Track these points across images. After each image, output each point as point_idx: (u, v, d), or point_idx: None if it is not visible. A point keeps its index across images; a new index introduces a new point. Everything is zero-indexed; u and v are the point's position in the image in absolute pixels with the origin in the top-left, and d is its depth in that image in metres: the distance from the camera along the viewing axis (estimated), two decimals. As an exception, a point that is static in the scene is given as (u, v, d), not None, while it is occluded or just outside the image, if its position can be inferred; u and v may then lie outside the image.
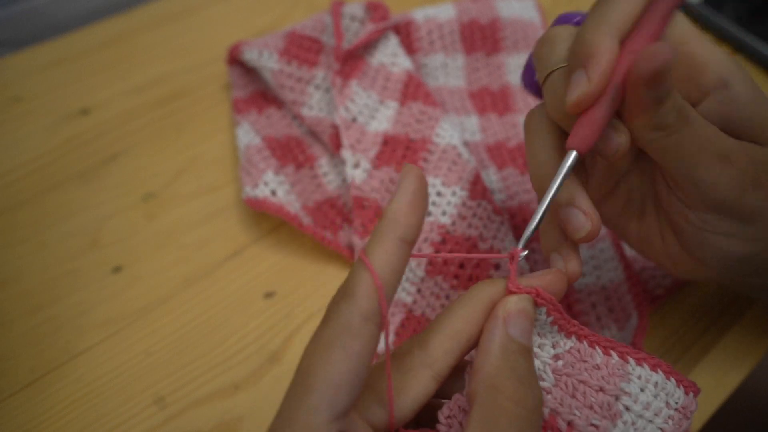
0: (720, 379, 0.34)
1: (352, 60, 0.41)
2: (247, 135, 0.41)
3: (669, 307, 0.36)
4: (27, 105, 0.46)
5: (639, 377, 0.23)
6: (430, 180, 0.37)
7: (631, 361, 0.23)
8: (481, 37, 0.46)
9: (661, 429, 0.22)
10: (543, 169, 0.26)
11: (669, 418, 0.22)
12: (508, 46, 0.47)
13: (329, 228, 0.38)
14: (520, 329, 0.22)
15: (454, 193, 0.36)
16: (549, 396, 0.22)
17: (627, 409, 0.22)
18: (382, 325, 0.20)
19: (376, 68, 0.42)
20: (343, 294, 0.20)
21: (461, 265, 0.35)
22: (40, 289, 0.37)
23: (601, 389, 0.22)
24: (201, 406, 0.33)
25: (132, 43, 0.50)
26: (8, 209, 0.40)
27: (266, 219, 0.40)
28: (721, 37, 0.51)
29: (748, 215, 0.25)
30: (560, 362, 0.22)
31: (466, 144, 0.42)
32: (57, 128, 0.45)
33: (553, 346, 0.23)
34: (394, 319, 0.35)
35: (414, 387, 0.22)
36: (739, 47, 0.50)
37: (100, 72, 0.48)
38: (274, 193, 0.38)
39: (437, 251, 0.35)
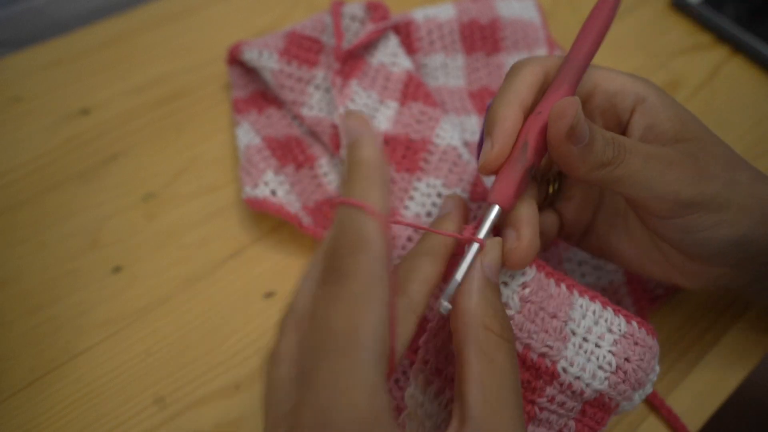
0: (720, 379, 0.34)
1: (352, 60, 0.41)
2: (247, 135, 0.41)
3: (669, 307, 0.36)
4: (27, 105, 0.46)
5: (581, 306, 0.26)
6: (431, 181, 0.37)
7: (575, 291, 0.26)
8: (481, 37, 0.46)
9: (611, 352, 0.25)
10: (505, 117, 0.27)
11: (615, 342, 0.25)
12: (508, 46, 0.47)
13: (329, 228, 0.38)
14: (494, 270, 0.24)
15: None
16: (511, 322, 0.24)
17: (573, 333, 0.25)
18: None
19: (376, 68, 0.42)
20: (353, 245, 0.19)
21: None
22: (40, 289, 0.37)
23: (555, 316, 0.25)
24: (201, 406, 0.33)
25: (132, 43, 0.50)
26: (8, 209, 0.40)
27: (266, 219, 0.40)
28: (721, 37, 0.51)
29: (716, 204, 0.26)
30: (527, 290, 0.25)
31: (466, 144, 0.42)
32: (57, 128, 0.45)
33: (522, 274, 0.25)
34: None
35: (404, 332, 0.23)
36: (739, 47, 0.50)
37: (100, 72, 0.48)
38: (274, 193, 0.38)
39: None
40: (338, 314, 0.18)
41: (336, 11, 0.43)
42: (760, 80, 0.48)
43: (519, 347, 0.24)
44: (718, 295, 0.37)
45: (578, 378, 0.25)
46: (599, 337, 0.25)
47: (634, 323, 0.26)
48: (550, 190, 0.31)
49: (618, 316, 0.26)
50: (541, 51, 0.47)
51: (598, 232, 0.32)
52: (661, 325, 0.35)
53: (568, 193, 0.32)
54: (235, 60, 0.44)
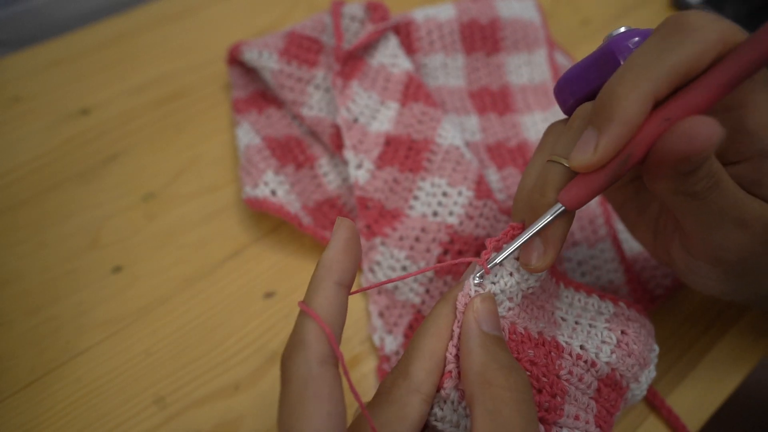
0: (720, 379, 0.34)
1: (352, 61, 0.41)
2: (247, 135, 0.41)
3: (669, 307, 0.36)
4: (27, 105, 0.46)
5: (566, 296, 0.28)
6: (436, 180, 0.37)
7: (561, 284, 0.28)
8: (481, 37, 0.46)
9: (607, 328, 0.27)
10: (526, 193, 0.25)
11: (607, 320, 0.27)
12: (508, 46, 0.47)
13: (329, 228, 0.38)
14: (491, 324, 0.23)
15: (460, 193, 0.37)
16: (510, 312, 0.25)
17: (563, 319, 0.27)
18: (338, 364, 0.21)
19: (376, 69, 0.42)
20: (293, 347, 0.21)
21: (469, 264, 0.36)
22: (40, 289, 0.37)
23: (542, 306, 0.27)
24: (201, 406, 0.33)
25: (132, 43, 0.50)
26: (8, 209, 0.40)
27: (266, 219, 0.40)
28: (721, 37, 0.51)
29: (743, 272, 0.25)
30: (530, 290, 0.25)
31: (466, 144, 0.42)
32: (57, 128, 0.45)
33: (536, 280, 0.25)
34: (403, 321, 0.35)
35: (409, 415, 0.22)
36: (739, 47, 0.50)
37: (100, 72, 0.48)
38: (274, 193, 0.38)
39: (446, 251, 0.36)
40: (282, 418, 0.20)
41: (336, 11, 0.43)
42: (760, 80, 0.48)
43: (521, 329, 0.25)
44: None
45: (583, 348, 0.26)
46: (591, 320, 0.27)
47: (622, 304, 0.28)
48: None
49: (605, 301, 0.28)
50: (541, 51, 0.47)
51: (622, 189, 0.30)
52: (661, 325, 0.35)
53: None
54: (235, 60, 0.44)
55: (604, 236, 0.38)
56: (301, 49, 0.43)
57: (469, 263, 0.25)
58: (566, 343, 0.26)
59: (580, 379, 0.25)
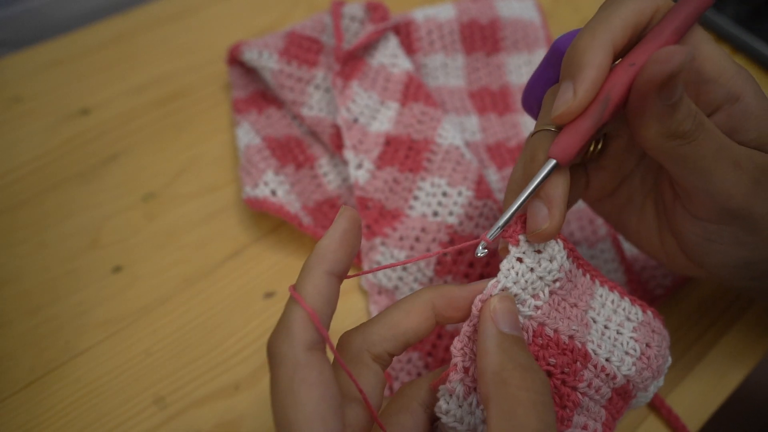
0: (720, 379, 0.34)
1: (352, 61, 0.41)
2: (247, 135, 0.41)
3: (669, 307, 0.36)
4: (27, 105, 0.46)
5: (601, 295, 0.27)
6: (436, 180, 0.37)
7: (597, 282, 0.27)
8: (481, 37, 0.46)
9: (633, 338, 0.26)
10: (519, 176, 0.26)
11: (634, 329, 0.26)
12: (507, 46, 0.47)
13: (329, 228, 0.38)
14: (509, 323, 0.23)
15: (459, 193, 0.37)
16: (539, 311, 0.24)
17: (594, 321, 0.26)
18: (326, 348, 0.21)
19: (376, 69, 0.42)
20: (279, 333, 0.21)
21: (471, 264, 0.35)
22: (40, 289, 0.37)
23: (575, 305, 0.25)
24: (201, 406, 0.33)
25: (132, 43, 0.50)
26: (8, 209, 0.40)
27: (266, 219, 0.40)
28: (721, 37, 0.51)
29: (754, 223, 0.25)
30: (557, 284, 0.25)
31: (466, 144, 0.42)
32: (57, 128, 0.45)
33: (560, 269, 0.25)
34: None
35: (363, 373, 0.23)
36: (739, 47, 0.50)
37: (100, 72, 0.48)
38: (274, 193, 0.38)
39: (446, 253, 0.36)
40: (276, 405, 0.20)
41: (336, 12, 0.43)
42: (760, 80, 0.48)
43: (550, 332, 0.24)
44: (717, 295, 0.37)
45: (608, 360, 0.25)
46: (619, 325, 0.26)
47: (650, 312, 0.27)
48: (591, 148, 0.29)
49: (635, 306, 0.27)
50: (541, 51, 0.47)
51: (614, 201, 0.30)
52: (661, 325, 0.36)
53: (604, 162, 0.29)
54: (235, 60, 0.44)
55: (604, 236, 0.38)
56: (301, 49, 0.43)
57: (477, 245, 0.24)
58: (594, 352, 0.25)
59: (597, 391, 0.25)
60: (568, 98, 0.22)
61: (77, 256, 0.38)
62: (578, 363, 0.24)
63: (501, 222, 0.24)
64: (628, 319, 0.27)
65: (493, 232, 0.24)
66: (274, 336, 0.21)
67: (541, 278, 0.24)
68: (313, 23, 0.44)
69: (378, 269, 0.25)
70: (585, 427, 0.24)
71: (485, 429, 0.23)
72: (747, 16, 0.51)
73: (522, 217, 0.25)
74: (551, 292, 0.25)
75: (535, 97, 0.28)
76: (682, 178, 0.25)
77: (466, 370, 0.23)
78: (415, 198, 0.37)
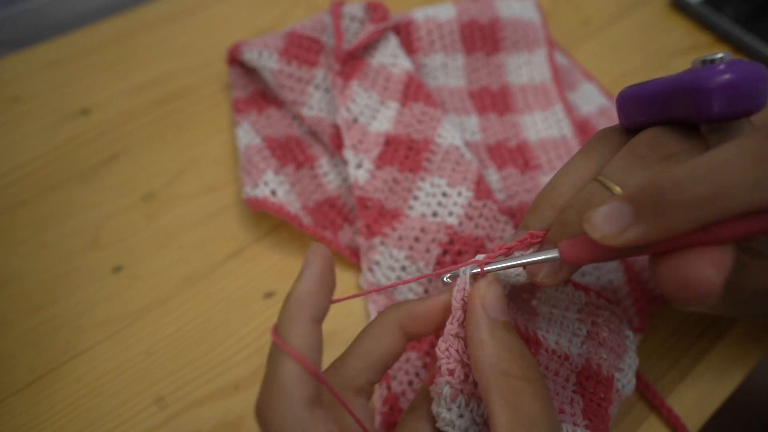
0: (720, 379, 0.34)
1: (352, 61, 0.41)
2: (247, 135, 0.41)
3: (669, 307, 0.36)
4: (27, 105, 0.46)
5: (545, 292, 0.28)
6: (435, 180, 0.37)
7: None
8: (480, 37, 0.46)
9: (578, 319, 0.27)
10: (563, 189, 0.25)
11: (579, 311, 0.28)
12: (507, 46, 0.47)
13: (329, 228, 0.38)
14: (499, 308, 0.22)
15: (459, 194, 0.37)
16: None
17: (538, 308, 0.27)
18: (323, 402, 0.20)
19: (376, 69, 0.42)
20: (272, 395, 0.19)
21: None
22: (40, 289, 0.37)
23: (519, 296, 0.28)
24: (201, 406, 0.33)
25: (132, 43, 0.50)
26: (8, 209, 0.40)
27: (266, 219, 0.40)
28: (721, 37, 0.51)
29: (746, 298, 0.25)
30: (520, 278, 0.25)
31: (466, 144, 0.42)
32: (57, 128, 0.45)
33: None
34: None
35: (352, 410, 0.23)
36: (739, 47, 0.50)
37: (100, 72, 0.48)
38: (274, 193, 0.38)
39: (445, 252, 0.36)
40: None
41: (336, 11, 0.43)
42: (760, 80, 0.48)
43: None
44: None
45: (557, 342, 0.26)
46: (565, 309, 0.28)
47: (593, 294, 0.29)
48: None
49: (578, 291, 0.28)
50: (541, 51, 0.47)
51: None
52: (661, 325, 0.35)
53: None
54: (235, 60, 0.44)
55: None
56: (301, 49, 0.43)
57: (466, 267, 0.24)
58: (543, 337, 0.26)
59: (556, 374, 0.26)
60: (616, 227, 0.20)
61: (77, 256, 0.38)
62: (533, 349, 0.25)
63: (494, 267, 0.23)
64: (572, 302, 0.28)
65: (490, 270, 0.23)
66: (265, 398, 0.20)
67: (514, 277, 0.24)
68: (313, 23, 0.44)
69: (381, 288, 0.25)
70: (561, 411, 0.25)
71: (482, 425, 0.23)
72: (747, 16, 0.51)
73: (531, 237, 0.25)
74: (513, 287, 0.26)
75: (636, 110, 0.24)
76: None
77: (451, 372, 0.23)
78: (415, 198, 0.37)
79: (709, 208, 0.18)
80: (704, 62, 0.22)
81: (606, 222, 0.20)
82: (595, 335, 0.27)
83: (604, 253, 0.21)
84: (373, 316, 0.35)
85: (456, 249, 0.36)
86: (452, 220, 0.36)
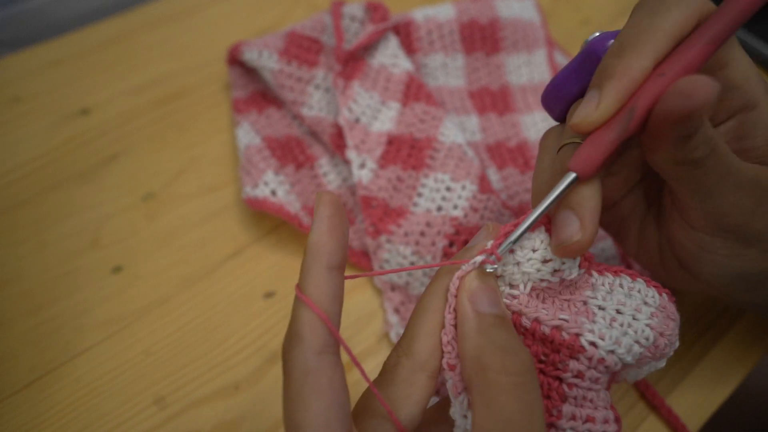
0: (720, 379, 0.34)
1: (353, 61, 0.41)
2: (247, 135, 0.41)
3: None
4: (27, 105, 0.46)
5: (603, 284, 0.24)
6: (439, 176, 0.37)
7: (594, 273, 0.24)
8: (480, 37, 0.46)
9: (649, 326, 0.23)
10: (544, 187, 0.25)
11: (652, 315, 0.24)
12: (507, 46, 0.47)
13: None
14: (488, 301, 0.21)
15: (464, 187, 0.37)
16: (515, 300, 0.23)
17: (601, 308, 0.23)
18: (337, 352, 0.20)
19: (376, 69, 0.42)
20: (291, 338, 0.20)
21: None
22: (40, 289, 0.37)
23: (568, 300, 0.23)
24: (201, 406, 0.33)
25: (132, 43, 0.50)
26: (8, 209, 0.40)
27: (266, 219, 0.40)
28: (721, 37, 0.51)
29: (750, 238, 0.25)
30: (544, 283, 0.23)
31: (467, 144, 0.42)
32: (57, 128, 0.45)
33: (552, 274, 0.23)
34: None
35: (415, 393, 0.22)
36: (738, 47, 0.50)
37: (100, 72, 0.48)
38: (274, 193, 0.38)
39: (452, 243, 0.35)
40: (286, 411, 0.20)
41: (336, 12, 0.43)
42: (760, 80, 0.48)
43: (527, 322, 0.23)
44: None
45: (612, 352, 0.22)
46: (636, 310, 0.24)
47: (665, 295, 0.25)
48: None
49: (650, 288, 0.25)
50: (541, 51, 0.47)
51: (616, 211, 0.30)
52: (661, 325, 0.35)
53: (614, 168, 0.28)
54: (235, 60, 0.44)
55: (605, 236, 0.38)
56: (301, 49, 0.43)
57: (484, 253, 0.22)
58: (592, 344, 0.22)
59: (595, 381, 0.23)
60: (590, 108, 0.21)
61: (77, 256, 0.38)
62: (560, 354, 0.22)
63: (514, 236, 0.22)
64: (645, 303, 0.24)
65: (504, 247, 0.22)
66: (285, 340, 0.21)
67: (525, 273, 0.23)
68: (313, 23, 0.44)
69: (383, 272, 0.24)
70: (591, 420, 0.22)
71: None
72: (747, 16, 0.50)
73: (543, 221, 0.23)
74: (533, 287, 0.23)
75: (558, 98, 0.27)
76: (682, 194, 0.24)
77: (451, 367, 0.22)
78: (419, 195, 0.37)
79: (646, 47, 0.21)
80: (587, 42, 0.25)
81: (583, 109, 0.21)
82: (654, 347, 0.23)
83: (605, 140, 0.21)
84: (389, 312, 0.36)
85: (462, 239, 0.35)
86: (457, 212, 0.36)
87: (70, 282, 0.37)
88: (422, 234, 0.36)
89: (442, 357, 0.22)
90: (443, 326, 0.22)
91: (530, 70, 0.47)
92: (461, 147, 0.38)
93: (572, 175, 0.22)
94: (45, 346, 0.35)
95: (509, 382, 0.20)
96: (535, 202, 0.25)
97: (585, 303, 0.24)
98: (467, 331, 0.21)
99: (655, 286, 0.25)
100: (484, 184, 0.37)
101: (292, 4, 0.54)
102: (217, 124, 0.45)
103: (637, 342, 0.23)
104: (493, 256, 0.22)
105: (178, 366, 0.34)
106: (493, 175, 0.41)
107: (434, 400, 0.25)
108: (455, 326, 0.22)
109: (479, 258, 0.22)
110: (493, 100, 0.46)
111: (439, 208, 0.36)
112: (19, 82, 0.47)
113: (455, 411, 0.21)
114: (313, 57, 0.43)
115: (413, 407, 0.22)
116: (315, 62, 0.43)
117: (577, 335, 0.22)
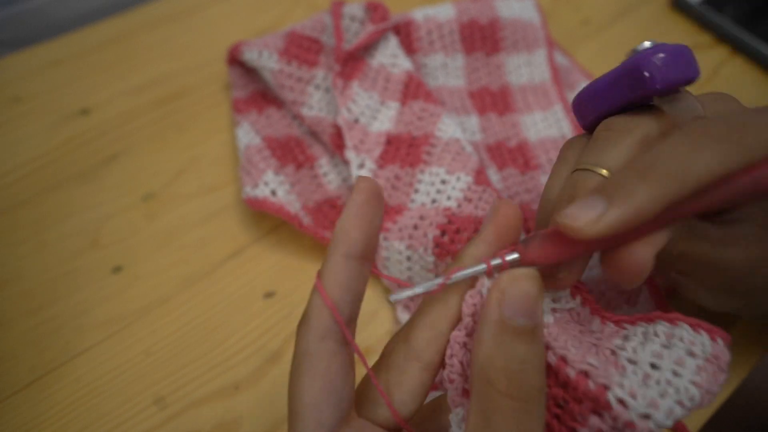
0: (720, 379, 0.34)
1: (352, 61, 0.41)
2: (247, 135, 0.41)
3: (668, 307, 0.36)
4: (27, 105, 0.46)
5: (635, 334, 0.21)
6: (434, 170, 0.37)
7: (626, 326, 0.21)
8: (480, 37, 0.46)
9: (694, 383, 0.18)
10: (551, 205, 0.25)
11: (699, 369, 0.19)
12: (507, 46, 0.47)
13: (329, 228, 0.38)
14: (520, 309, 0.18)
15: (458, 179, 0.36)
16: (545, 330, 0.20)
17: (632, 362, 0.19)
18: (343, 339, 0.21)
19: (376, 69, 0.42)
20: (302, 320, 0.21)
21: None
22: (40, 289, 0.37)
23: (596, 344, 0.20)
24: (201, 406, 0.33)
25: (132, 43, 0.50)
26: (8, 209, 0.40)
27: (266, 219, 0.40)
28: (721, 37, 0.51)
29: (746, 292, 0.26)
30: (554, 316, 0.21)
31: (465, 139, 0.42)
32: (57, 128, 0.45)
33: (553, 300, 0.21)
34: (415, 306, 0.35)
35: (406, 381, 0.22)
36: (739, 47, 0.50)
37: (100, 72, 0.48)
38: (274, 193, 0.38)
39: (443, 232, 0.35)
40: (289, 385, 0.21)
41: (336, 12, 0.43)
42: (760, 80, 0.48)
43: (553, 358, 0.19)
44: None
45: (646, 417, 0.18)
46: (677, 363, 0.19)
47: (720, 341, 0.20)
48: None
49: (699, 333, 0.20)
50: (541, 51, 0.47)
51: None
52: (661, 325, 0.35)
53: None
54: (235, 60, 0.44)
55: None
56: (301, 49, 0.43)
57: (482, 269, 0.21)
58: (621, 402, 0.18)
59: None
60: (591, 215, 0.19)
61: (77, 256, 0.38)
62: (583, 405, 0.19)
63: (410, 293, 0.21)
64: (691, 353, 0.19)
65: (399, 297, 0.21)
66: (299, 322, 0.21)
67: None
68: (313, 23, 0.44)
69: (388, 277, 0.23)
70: None
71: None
72: (747, 16, 0.51)
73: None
74: (554, 312, 0.21)
75: (594, 108, 0.26)
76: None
77: (451, 380, 0.21)
78: (416, 191, 0.37)
79: (671, 189, 0.20)
80: (635, 51, 0.24)
81: (582, 210, 0.20)
82: (696, 406, 0.19)
83: (572, 252, 0.21)
84: (398, 309, 0.36)
85: (455, 228, 0.34)
86: (450, 203, 0.35)
87: (70, 282, 0.37)
88: (415, 227, 0.36)
89: (439, 351, 0.22)
90: (448, 323, 0.22)
91: (530, 71, 0.47)
92: (459, 142, 0.38)
93: (515, 256, 0.21)
94: (45, 346, 0.35)
95: (511, 406, 0.18)
96: (541, 216, 0.25)
97: (614, 353, 0.20)
98: (483, 335, 0.19)
99: (707, 330, 0.20)
100: (480, 176, 0.36)
101: (292, 4, 0.54)
102: (217, 124, 0.45)
103: (679, 403, 0.18)
104: (485, 265, 0.21)
105: (178, 366, 0.34)
106: (494, 176, 0.41)
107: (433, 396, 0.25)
108: (460, 345, 0.21)
109: (479, 267, 0.21)
110: (493, 100, 0.46)
111: (434, 201, 0.36)
112: (19, 82, 0.47)
113: (452, 419, 0.21)
114: (313, 57, 0.43)
115: (404, 395, 0.22)
116: (315, 62, 0.43)
117: (605, 387, 0.18)
